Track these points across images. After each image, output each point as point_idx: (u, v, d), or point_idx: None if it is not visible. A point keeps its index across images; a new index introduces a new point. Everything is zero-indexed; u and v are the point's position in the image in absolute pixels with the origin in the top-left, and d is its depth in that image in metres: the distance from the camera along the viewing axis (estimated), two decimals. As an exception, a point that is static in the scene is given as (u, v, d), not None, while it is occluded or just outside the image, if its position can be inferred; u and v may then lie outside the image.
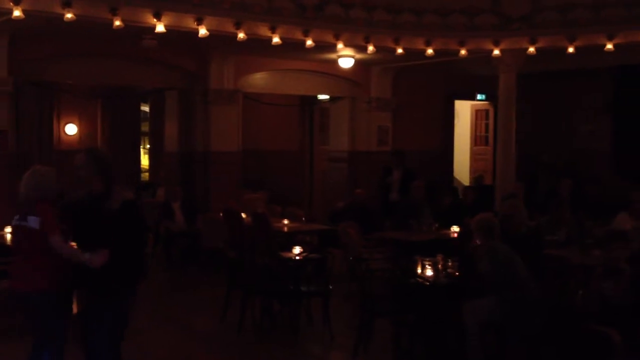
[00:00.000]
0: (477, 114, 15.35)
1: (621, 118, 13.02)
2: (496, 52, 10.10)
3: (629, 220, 8.05)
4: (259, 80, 12.05)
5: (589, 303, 5.24)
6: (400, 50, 9.99)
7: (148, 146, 16.10)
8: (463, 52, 10.15)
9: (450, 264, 6.06)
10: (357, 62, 11.46)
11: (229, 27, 8.59)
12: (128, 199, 4.44)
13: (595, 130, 13.34)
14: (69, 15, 7.54)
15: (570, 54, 9.84)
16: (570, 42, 9.65)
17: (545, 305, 5.50)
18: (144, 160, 16.29)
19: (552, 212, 7.79)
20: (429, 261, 6.03)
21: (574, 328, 5.30)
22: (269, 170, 13.70)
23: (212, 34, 8.56)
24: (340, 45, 9.65)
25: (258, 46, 9.69)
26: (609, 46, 9.49)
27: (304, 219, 10.14)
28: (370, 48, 9.83)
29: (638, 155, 12.07)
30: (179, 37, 8.98)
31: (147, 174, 16.00)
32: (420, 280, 5.85)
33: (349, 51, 10.60)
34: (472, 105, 15.25)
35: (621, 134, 13.02)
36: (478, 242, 5.80)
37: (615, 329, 4.91)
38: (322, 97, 13.82)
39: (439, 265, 6.04)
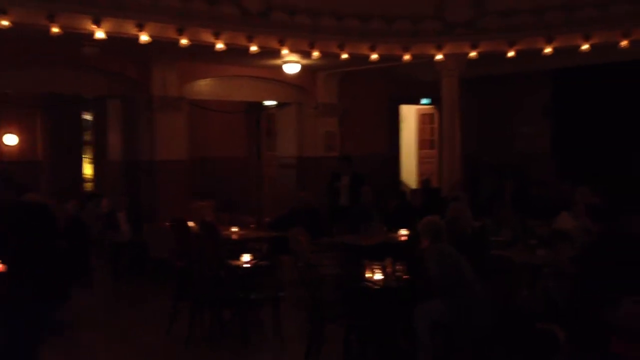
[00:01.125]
0: (423, 118, 15.54)
1: (560, 121, 13.38)
2: (439, 57, 10.25)
3: (570, 220, 8.23)
4: (204, 86, 11.92)
5: (535, 303, 5.33)
6: (345, 56, 10.04)
7: (91, 156, 15.71)
8: (407, 57, 10.27)
9: (398, 267, 6.08)
10: (303, 68, 11.47)
11: (172, 33, 8.47)
12: (32, 205, 4.48)
13: (536, 133, 13.67)
14: (4, 23, 7.32)
15: (511, 58, 10.06)
16: (511, 46, 9.87)
17: (492, 306, 5.58)
18: (87, 170, 15.91)
19: (495, 213, 7.92)
20: (377, 265, 6.04)
21: (521, 328, 5.38)
22: (218, 178, 13.56)
23: (154, 40, 8.43)
24: (285, 51, 9.63)
25: (202, 52, 9.59)
26: (548, 50, 9.75)
27: (252, 226, 10.04)
28: (316, 54, 9.84)
29: (576, 157, 12.41)
30: (120, 44, 8.81)
31: (90, 184, 15.61)
32: (369, 284, 5.85)
33: (294, 57, 10.59)
34: (418, 110, 15.44)
35: (560, 136, 13.38)
36: (425, 244, 5.84)
37: (560, 327, 5.00)
38: (269, 103, 13.77)
39: (388, 269, 6.06)
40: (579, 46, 9.57)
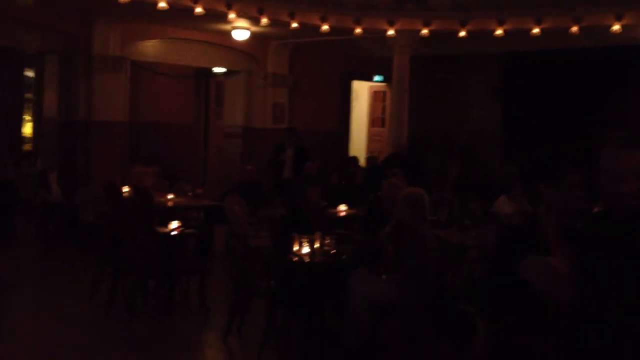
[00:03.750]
0: (375, 96, 15.42)
1: (509, 103, 13.39)
2: (391, 32, 10.08)
3: (508, 203, 8.20)
4: (150, 48, 11.51)
5: (459, 283, 5.25)
6: (295, 25, 9.78)
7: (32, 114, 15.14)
8: (358, 30, 10.07)
9: (327, 241, 5.93)
10: (254, 36, 11.16)
11: (111, -12, 8.08)
12: None
13: (485, 114, 13.67)
14: None
15: (463, 37, 9.95)
16: (462, 25, 9.76)
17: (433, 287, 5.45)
18: (28, 129, 15.34)
19: (435, 193, 7.83)
20: (305, 239, 5.88)
21: (445, 308, 5.31)
22: (163, 144, 13.19)
23: (93, -5, 8.04)
24: (232, 15, 9.32)
25: (145, 11, 9.20)
26: (499, 31, 9.66)
27: (190, 194, 9.80)
28: (264, 20, 9.56)
29: (525, 140, 12.45)
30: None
31: (29, 144, 15.06)
32: (295, 258, 5.69)
33: (243, 23, 10.28)
34: (370, 87, 15.30)
35: (509, 119, 13.40)
36: (405, 218, 5.53)
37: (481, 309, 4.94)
38: (218, 70, 13.42)
39: (316, 243, 5.90)
40: (530, 29, 9.51)
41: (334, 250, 5.85)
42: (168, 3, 8.46)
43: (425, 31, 9.98)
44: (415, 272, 5.28)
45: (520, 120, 12.82)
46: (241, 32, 10.71)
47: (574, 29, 9.26)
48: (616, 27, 8.96)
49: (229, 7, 9.15)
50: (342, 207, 8.88)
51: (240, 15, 9.51)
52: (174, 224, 6.83)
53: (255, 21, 9.84)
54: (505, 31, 9.68)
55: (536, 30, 9.47)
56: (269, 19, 9.57)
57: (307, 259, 5.70)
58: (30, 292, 7.39)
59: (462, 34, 9.86)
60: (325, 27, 9.88)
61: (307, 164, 10.05)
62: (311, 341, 5.65)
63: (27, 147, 15.04)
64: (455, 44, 10.79)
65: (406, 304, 5.29)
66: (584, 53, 11.33)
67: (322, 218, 6.85)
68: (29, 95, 15.14)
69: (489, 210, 8.11)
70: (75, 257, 8.91)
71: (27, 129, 15.32)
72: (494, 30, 9.69)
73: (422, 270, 5.27)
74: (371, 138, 15.47)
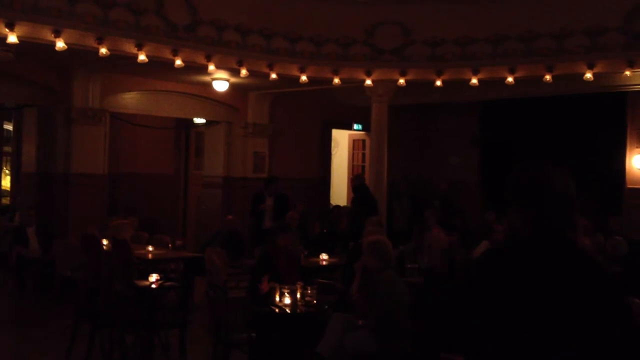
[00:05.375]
0: (355, 144, 15.55)
1: (487, 151, 13.57)
2: (368, 82, 10.23)
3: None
4: (129, 100, 11.56)
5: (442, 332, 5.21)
6: (274, 76, 9.89)
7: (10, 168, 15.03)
8: (337, 80, 10.21)
9: (309, 291, 5.90)
10: (234, 87, 11.27)
11: (91, 42, 8.13)
12: None
13: (464, 162, 13.82)
14: None
15: (439, 87, 10.12)
16: (438, 75, 9.93)
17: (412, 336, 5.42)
18: (6, 183, 15.21)
19: (415, 239, 7.85)
20: (287, 289, 5.84)
21: (428, 356, 5.26)
22: (142, 195, 13.13)
23: (72, 48, 8.07)
24: (212, 67, 9.41)
25: (125, 64, 9.27)
26: (474, 81, 9.85)
27: (170, 245, 9.72)
28: (244, 72, 9.66)
29: (502, 187, 12.54)
30: (36, 50, 8.42)
31: (7, 198, 14.92)
32: (274, 308, 5.63)
33: (222, 74, 10.39)
34: (350, 135, 15.44)
35: (487, 166, 13.56)
36: (371, 266, 5.57)
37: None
38: (198, 120, 13.49)
39: (298, 293, 5.86)
40: (505, 78, 9.71)
41: (316, 301, 5.81)
42: (148, 56, 8.53)
43: (402, 81, 10.13)
44: (386, 318, 5.26)
45: (497, 167, 12.94)
46: (221, 83, 10.82)
47: (547, 77, 9.46)
48: (588, 76, 9.18)
49: (209, 59, 9.24)
50: (324, 256, 8.85)
51: (219, 67, 9.62)
52: (154, 277, 6.76)
53: (235, 72, 9.94)
54: (480, 80, 9.86)
55: (510, 79, 9.67)
56: (248, 70, 9.67)
57: (289, 310, 5.65)
58: (8, 347, 7.20)
59: (438, 83, 10.02)
60: (304, 78, 10.00)
61: (288, 213, 10.04)
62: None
63: (5, 201, 14.90)
64: (433, 93, 10.97)
65: (384, 353, 5.25)
66: (558, 100, 11.59)
67: (292, 265, 6.81)
68: (7, 149, 15.08)
69: (470, 256, 8.15)
70: (53, 311, 8.73)
71: (6, 183, 15.20)
72: (470, 80, 9.87)
73: (393, 316, 5.25)
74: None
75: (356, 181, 11.38)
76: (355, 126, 14.79)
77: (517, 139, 12.29)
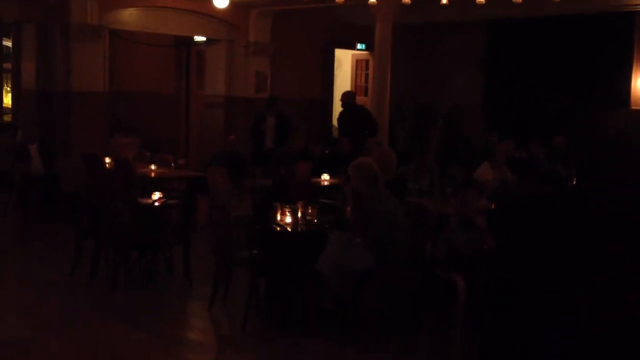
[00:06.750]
0: (358, 64, 15.32)
1: (492, 74, 13.38)
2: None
3: (490, 170, 8.24)
4: (128, 17, 11.32)
5: (438, 250, 5.29)
6: (276, -9, 9.66)
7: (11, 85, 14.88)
8: (340, -3, 9.93)
9: (310, 211, 5.95)
10: (235, 4, 10.98)
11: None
12: None
13: (468, 84, 13.65)
14: None
15: (445, 4, 9.84)
16: (444, -8, 9.64)
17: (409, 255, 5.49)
18: (7, 100, 15.09)
19: (416, 160, 7.86)
20: (288, 208, 5.89)
21: (424, 275, 5.36)
22: (144, 114, 13.04)
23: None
24: (212, -18, 9.18)
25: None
26: (481, -2, 9.57)
27: (172, 165, 9.75)
28: (245, -13, 9.42)
29: (506, 110, 12.48)
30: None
31: (8, 115, 14.83)
32: (277, 227, 5.70)
33: (223, -11, 10.12)
34: (353, 55, 15.19)
35: (491, 89, 13.40)
36: (359, 189, 5.61)
37: (460, 276, 4.99)
38: (199, 38, 13.25)
39: (299, 213, 5.91)
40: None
41: (317, 220, 5.87)
42: (146, -30, 8.29)
43: (407, -2, 9.86)
44: (380, 237, 5.34)
45: (501, 89, 12.84)
46: (222, -1, 10.54)
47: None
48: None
49: (209, -26, 9.00)
50: (325, 177, 8.88)
51: (220, -18, 9.37)
52: (156, 195, 6.81)
53: (236, -12, 9.70)
54: (487, -2, 9.59)
55: (518, -3, 9.39)
56: (250, -15, 9.43)
57: (289, 228, 5.72)
58: (11, 264, 7.35)
59: (444, 1, 9.76)
60: (306, -6, 9.76)
61: (310, 147, 9.97)
62: (291, 308, 5.69)
63: (6, 118, 14.83)
64: (439, 12, 10.71)
65: (381, 269, 5.35)
66: (565, 20, 11.33)
67: (306, 194, 6.84)
68: (7, 66, 14.89)
69: (471, 177, 8.16)
70: (57, 228, 8.82)
71: (7, 100, 15.09)
72: (476, -3, 9.59)
73: (387, 235, 5.32)
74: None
75: (344, 98, 11.09)
76: (359, 46, 14.52)
77: (523, 60, 12.11)
